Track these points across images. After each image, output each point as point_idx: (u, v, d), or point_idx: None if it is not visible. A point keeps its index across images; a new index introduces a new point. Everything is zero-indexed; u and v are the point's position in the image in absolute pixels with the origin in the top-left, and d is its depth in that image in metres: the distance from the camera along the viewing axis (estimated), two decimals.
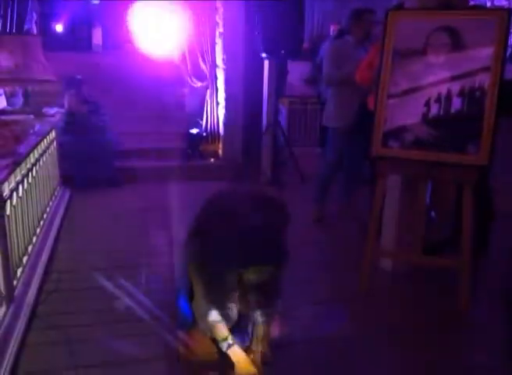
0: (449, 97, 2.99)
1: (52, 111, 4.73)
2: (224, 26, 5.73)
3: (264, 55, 5.28)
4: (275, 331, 2.47)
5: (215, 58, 5.95)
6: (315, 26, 7.28)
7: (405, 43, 3.07)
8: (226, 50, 5.80)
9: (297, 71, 6.90)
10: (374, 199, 3.28)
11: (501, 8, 5.04)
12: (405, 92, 3.08)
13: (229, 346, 2.29)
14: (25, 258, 3.21)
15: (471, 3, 4.77)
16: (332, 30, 6.78)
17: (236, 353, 2.29)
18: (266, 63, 5.55)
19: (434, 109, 3.02)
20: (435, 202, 3.68)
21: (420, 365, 2.58)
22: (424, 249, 3.24)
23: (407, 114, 3.08)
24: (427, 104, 3.02)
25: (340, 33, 4.34)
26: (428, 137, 3.04)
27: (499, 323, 2.52)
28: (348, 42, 4.24)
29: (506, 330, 2.41)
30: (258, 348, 2.39)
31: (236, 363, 2.29)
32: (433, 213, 3.75)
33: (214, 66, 5.97)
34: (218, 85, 6.04)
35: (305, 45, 6.22)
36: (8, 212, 2.79)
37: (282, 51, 5.23)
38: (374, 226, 3.27)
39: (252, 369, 2.28)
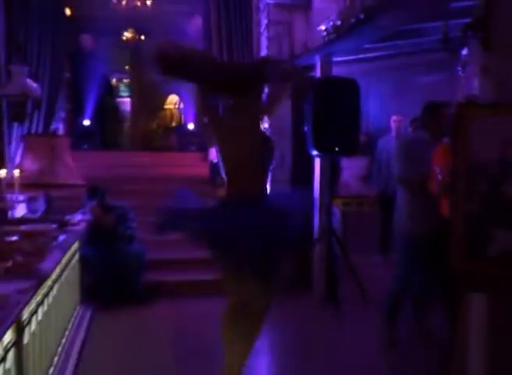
0: None
1: (76, 219, 4.17)
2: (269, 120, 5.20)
3: (315, 152, 4.65)
4: None
5: None
6: (372, 115, 6.61)
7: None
8: None
9: (352, 168, 6.22)
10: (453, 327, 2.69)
11: None
12: None
13: None
14: None
15: None
16: (393, 120, 5.91)
17: None
18: (317, 161, 4.96)
19: None
20: None
21: None
22: None
23: None
24: None
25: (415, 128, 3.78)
26: None
27: None
28: (422, 139, 3.64)
29: None
30: None
31: None
32: None
33: None
34: None
35: (361, 138, 5.44)
36: (26, 340, 2.33)
37: (337, 149, 4.59)
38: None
39: None
